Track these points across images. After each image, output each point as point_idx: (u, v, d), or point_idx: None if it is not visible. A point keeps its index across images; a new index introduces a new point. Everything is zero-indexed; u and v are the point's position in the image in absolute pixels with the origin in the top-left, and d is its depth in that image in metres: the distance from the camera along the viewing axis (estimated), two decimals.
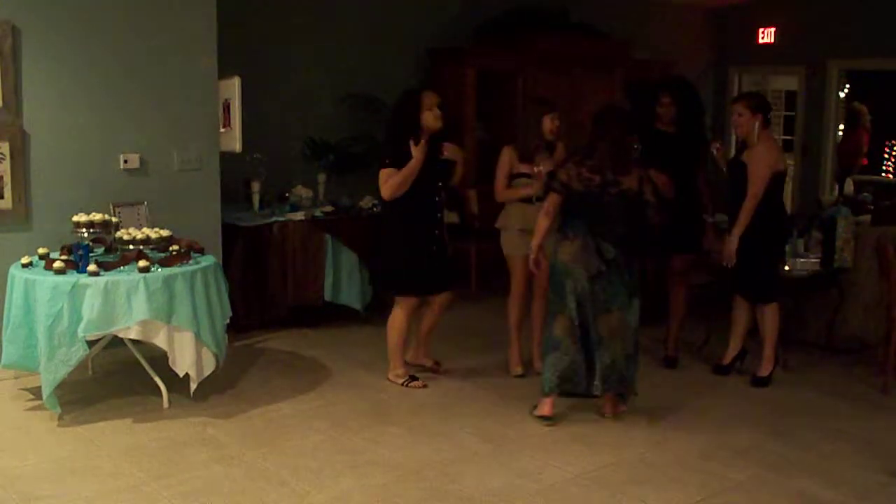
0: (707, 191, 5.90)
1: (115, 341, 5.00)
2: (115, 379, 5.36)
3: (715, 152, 5.82)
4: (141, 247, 4.96)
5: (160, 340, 4.75)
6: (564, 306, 4.76)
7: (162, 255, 4.99)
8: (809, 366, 5.97)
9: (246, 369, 5.62)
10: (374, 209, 6.69)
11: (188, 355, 4.81)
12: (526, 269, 5.22)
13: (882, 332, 5.60)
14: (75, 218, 5.10)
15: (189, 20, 5.83)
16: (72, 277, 4.63)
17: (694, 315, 6.12)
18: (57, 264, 4.71)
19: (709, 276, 6.16)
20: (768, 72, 10.76)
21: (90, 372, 5.40)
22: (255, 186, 6.65)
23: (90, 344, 4.75)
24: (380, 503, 3.94)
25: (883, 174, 11.87)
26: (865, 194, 8.40)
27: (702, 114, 6.22)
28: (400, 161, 5.14)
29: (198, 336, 4.84)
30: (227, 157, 6.22)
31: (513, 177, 5.43)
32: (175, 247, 5.12)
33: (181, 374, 4.86)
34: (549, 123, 5.40)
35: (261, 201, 6.67)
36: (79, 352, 4.64)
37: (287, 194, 6.83)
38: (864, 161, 11.48)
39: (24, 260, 4.87)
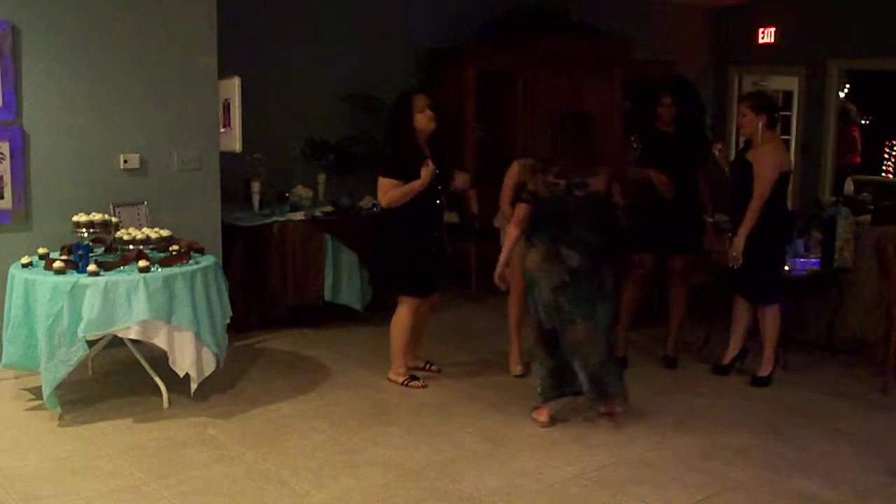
0: (707, 191, 5.90)
1: (115, 341, 5.00)
2: (115, 379, 5.36)
3: (716, 153, 5.82)
4: (141, 247, 4.96)
5: (160, 340, 4.75)
6: (536, 313, 4.80)
7: (162, 255, 4.99)
8: (809, 366, 5.97)
9: (246, 369, 5.62)
10: (374, 209, 6.67)
11: (188, 355, 4.81)
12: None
13: (882, 332, 5.61)
14: (75, 218, 5.10)
15: (189, 20, 5.83)
16: (72, 277, 4.63)
17: (694, 315, 6.11)
18: (57, 264, 4.71)
19: (709, 276, 6.16)
20: (768, 72, 10.74)
21: (90, 372, 5.40)
22: (255, 186, 6.64)
23: (90, 344, 4.76)
24: (380, 503, 3.94)
25: (883, 174, 11.86)
26: (865, 194, 8.37)
27: (702, 114, 6.22)
28: (399, 170, 5.15)
29: (198, 336, 4.83)
30: (227, 157, 6.21)
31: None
32: (175, 247, 5.12)
33: (181, 374, 4.86)
34: None
35: (261, 201, 6.66)
36: (79, 352, 4.64)
37: (287, 194, 6.83)
38: (857, 159, 11.46)
39: (24, 260, 4.88)
